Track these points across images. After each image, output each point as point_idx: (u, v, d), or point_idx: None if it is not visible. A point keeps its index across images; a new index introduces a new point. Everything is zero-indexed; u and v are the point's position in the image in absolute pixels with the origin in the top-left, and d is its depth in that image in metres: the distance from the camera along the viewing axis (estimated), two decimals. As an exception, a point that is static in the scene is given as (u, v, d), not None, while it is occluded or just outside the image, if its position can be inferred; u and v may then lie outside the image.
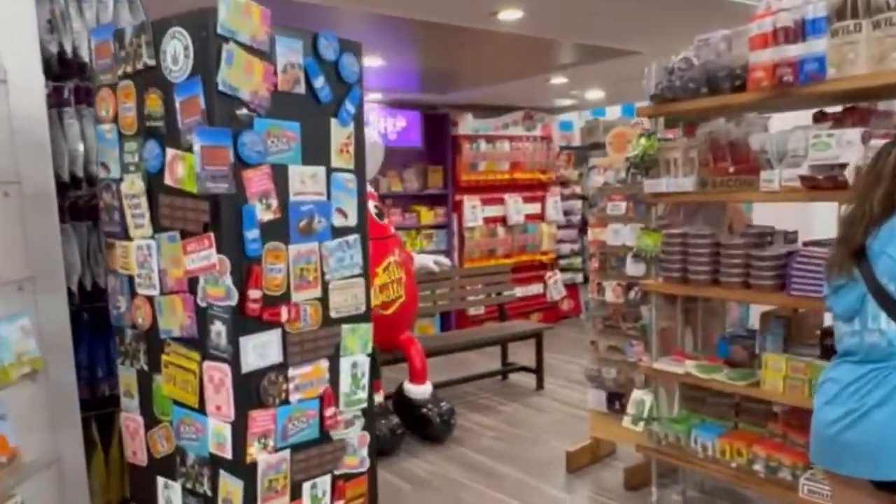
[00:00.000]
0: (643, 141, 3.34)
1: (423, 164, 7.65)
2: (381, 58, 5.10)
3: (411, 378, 4.60)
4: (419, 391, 4.57)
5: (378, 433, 4.20)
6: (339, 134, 2.47)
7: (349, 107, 2.50)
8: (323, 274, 2.43)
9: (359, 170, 2.57)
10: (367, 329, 2.63)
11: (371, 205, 4.73)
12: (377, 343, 4.53)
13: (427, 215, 7.55)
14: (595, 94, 7.15)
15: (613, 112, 10.42)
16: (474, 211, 7.63)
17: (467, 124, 7.55)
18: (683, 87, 3.02)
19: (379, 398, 4.03)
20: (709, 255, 3.01)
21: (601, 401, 3.91)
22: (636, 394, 3.41)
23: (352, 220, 2.53)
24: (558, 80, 6.11)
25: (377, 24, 4.23)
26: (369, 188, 4.99)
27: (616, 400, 3.83)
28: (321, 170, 2.41)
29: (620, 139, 3.94)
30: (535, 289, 8.25)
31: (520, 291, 8.01)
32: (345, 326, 2.52)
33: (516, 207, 7.93)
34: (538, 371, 5.70)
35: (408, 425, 4.54)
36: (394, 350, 4.65)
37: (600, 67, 5.58)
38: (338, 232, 2.48)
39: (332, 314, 2.47)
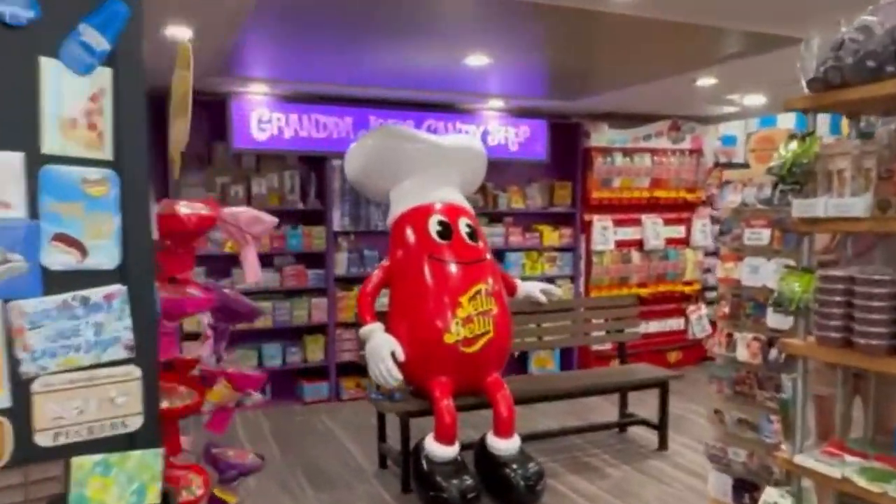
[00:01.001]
0: (794, 145, 2.42)
1: (548, 179, 6.89)
2: (498, 54, 4.44)
3: (496, 430, 3.86)
4: (504, 447, 3.83)
5: (445, 495, 3.53)
6: (69, 89, 1.43)
7: (93, 37, 1.45)
8: (15, 362, 1.38)
9: (129, 162, 1.51)
10: (145, 460, 1.51)
11: (463, 223, 4.09)
12: (457, 384, 3.78)
13: (551, 236, 6.76)
14: (755, 100, 6.04)
15: (788, 119, 9.08)
16: (605, 233, 6.74)
17: (602, 135, 6.69)
18: (858, 67, 2.10)
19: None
20: (890, 309, 2.05)
21: (725, 489, 2.97)
22: (770, 493, 2.46)
23: (102, 258, 1.48)
24: (705, 80, 5.14)
25: (490, 10, 3.57)
26: (459, 202, 4.39)
27: (746, 491, 2.88)
28: (12, 158, 1.37)
29: (766, 145, 3.01)
30: (675, 324, 7.18)
31: (656, 326, 7.01)
32: (79, 461, 1.44)
33: (655, 230, 6.93)
34: (661, 427, 4.74)
35: (487, 486, 3.80)
36: (478, 394, 3.95)
37: (756, 64, 4.56)
38: (61, 281, 1.42)
39: (42, 439, 1.41)
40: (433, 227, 3.99)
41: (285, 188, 5.86)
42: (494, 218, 6.67)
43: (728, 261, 3.06)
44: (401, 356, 3.81)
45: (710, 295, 7.40)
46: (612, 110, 6.67)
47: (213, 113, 5.59)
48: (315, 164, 5.91)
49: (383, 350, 3.80)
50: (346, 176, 4.42)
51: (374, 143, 4.24)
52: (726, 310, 2.99)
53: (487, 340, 3.87)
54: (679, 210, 7.13)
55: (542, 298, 4.63)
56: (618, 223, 6.82)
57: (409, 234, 4.03)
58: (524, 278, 6.73)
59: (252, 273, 2.28)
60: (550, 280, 6.76)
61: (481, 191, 6.50)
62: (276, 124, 5.53)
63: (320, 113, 5.67)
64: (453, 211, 4.11)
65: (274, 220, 2.35)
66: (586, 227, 6.78)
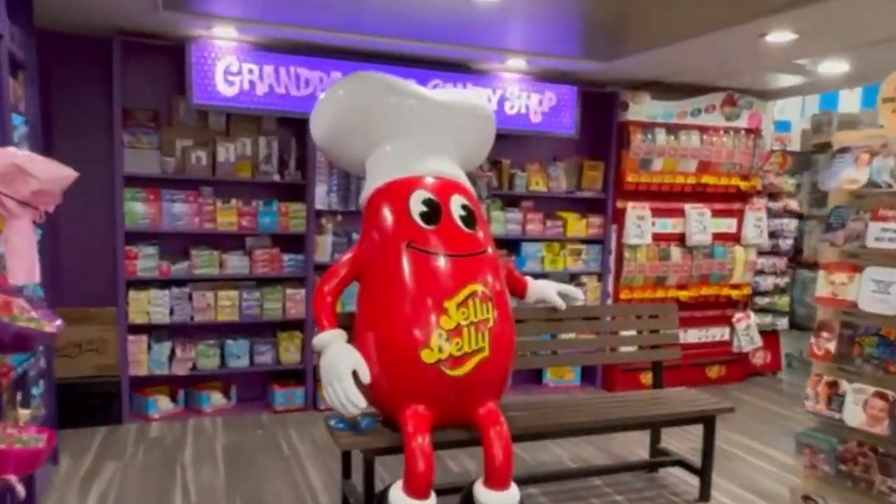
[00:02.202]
0: None
1: (576, 158, 5.85)
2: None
3: (487, 478, 2.88)
4: (496, 501, 2.86)
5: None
6: None
7: None
8: None
9: None
10: None
11: (457, 204, 3.11)
12: (438, 415, 2.80)
13: (576, 225, 5.74)
14: (834, 67, 4.92)
15: (850, 102, 7.92)
16: (641, 223, 5.69)
17: (642, 107, 5.63)
18: None
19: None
20: None
21: None
22: None
23: None
24: (780, 35, 4.05)
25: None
26: (455, 176, 3.39)
27: None
28: None
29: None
30: (718, 333, 6.13)
31: (696, 335, 6.00)
32: None
33: (701, 222, 5.86)
34: (703, 473, 3.73)
35: (471, 555, 2.85)
36: (467, 427, 2.98)
37: (849, 7, 3.49)
38: None
39: None
40: (416, 205, 3.01)
41: (259, 156, 4.92)
42: (511, 201, 5.67)
43: (836, 270, 2.04)
44: (365, 376, 2.86)
45: (761, 301, 6.32)
46: (656, 78, 5.60)
47: (173, 61, 4.66)
48: (296, 129, 4.95)
49: (341, 367, 2.86)
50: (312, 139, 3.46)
51: (346, 94, 3.26)
52: (831, 346, 1.99)
53: (481, 361, 2.89)
54: (730, 200, 6.05)
55: (560, 303, 3.63)
56: (657, 213, 5.77)
57: (385, 215, 3.06)
58: (541, 276, 5.66)
59: (23, 269, 1.31)
60: (573, 278, 5.77)
61: (496, 168, 5.50)
62: (246, 77, 4.58)
63: (302, 65, 4.70)
64: (445, 187, 3.12)
65: (73, 173, 1.36)
66: (619, 216, 5.74)
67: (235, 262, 4.85)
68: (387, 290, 2.96)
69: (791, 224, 6.36)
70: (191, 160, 4.68)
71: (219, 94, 4.52)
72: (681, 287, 5.89)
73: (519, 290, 3.57)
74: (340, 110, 3.23)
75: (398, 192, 3.08)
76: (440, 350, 2.82)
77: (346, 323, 3.04)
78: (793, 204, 6.36)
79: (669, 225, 5.84)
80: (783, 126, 6.63)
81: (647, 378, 5.40)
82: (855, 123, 6.48)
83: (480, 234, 3.10)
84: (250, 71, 4.57)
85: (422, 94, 3.33)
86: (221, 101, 4.56)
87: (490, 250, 3.13)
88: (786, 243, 6.35)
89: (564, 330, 3.91)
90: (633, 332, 4.12)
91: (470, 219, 3.07)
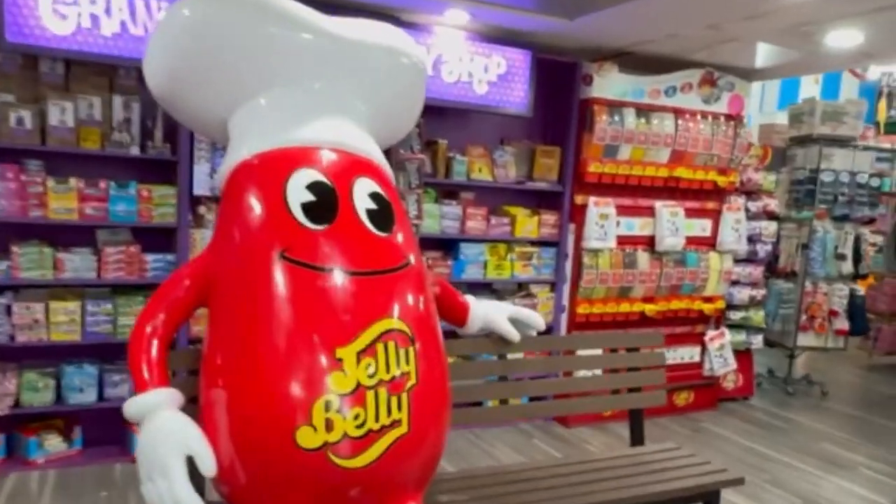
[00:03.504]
0: None
1: (529, 141, 4.81)
2: None
3: None
4: None
5: None
6: None
7: None
8: None
9: None
10: None
11: (362, 189, 1.99)
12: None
13: (527, 223, 4.69)
14: (845, 38, 4.02)
15: (810, 92, 7.21)
16: (604, 223, 4.69)
17: (609, 82, 4.62)
18: None
19: None
20: None
21: None
22: None
23: None
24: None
25: None
26: (361, 149, 2.12)
27: None
28: None
29: None
30: (687, 354, 5.21)
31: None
32: None
33: (674, 223, 4.91)
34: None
35: None
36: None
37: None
38: None
39: None
40: (296, 192, 1.86)
41: (113, 121, 3.68)
42: (447, 192, 4.58)
43: None
44: (208, 466, 1.72)
45: (734, 316, 5.44)
46: (626, 47, 4.61)
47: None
48: (166, 88, 3.71)
49: (168, 453, 1.70)
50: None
51: (194, 15, 2.08)
52: None
53: (395, 441, 1.77)
54: (706, 198, 5.12)
55: (513, 333, 2.56)
56: (622, 211, 4.78)
57: (249, 205, 1.90)
58: (482, 285, 4.65)
59: None
60: (521, 287, 4.72)
61: (430, 151, 4.39)
62: (86, 9, 3.33)
63: None
64: (347, 166, 1.98)
65: None
66: (578, 214, 4.73)
67: (77, 263, 3.60)
68: (247, 326, 1.81)
69: (770, 227, 5.50)
70: (9, 122, 3.40)
71: (45, 31, 3.26)
72: (647, 300, 4.93)
73: (457, 316, 2.49)
74: (186, 40, 2.04)
75: (271, 169, 1.93)
76: (328, 428, 1.69)
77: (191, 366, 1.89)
78: (773, 204, 5.50)
79: (637, 226, 4.86)
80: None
81: (608, 411, 4.42)
82: (839, 115, 5.68)
83: (399, 238, 1.98)
84: (93, 1, 3.32)
85: (318, 26, 2.16)
86: (50, 42, 3.29)
87: (413, 260, 2.01)
88: (764, 249, 5.48)
89: (516, 369, 2.83)
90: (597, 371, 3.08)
91: (383, 215, 1.95)
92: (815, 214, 5.67)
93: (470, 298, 2.54)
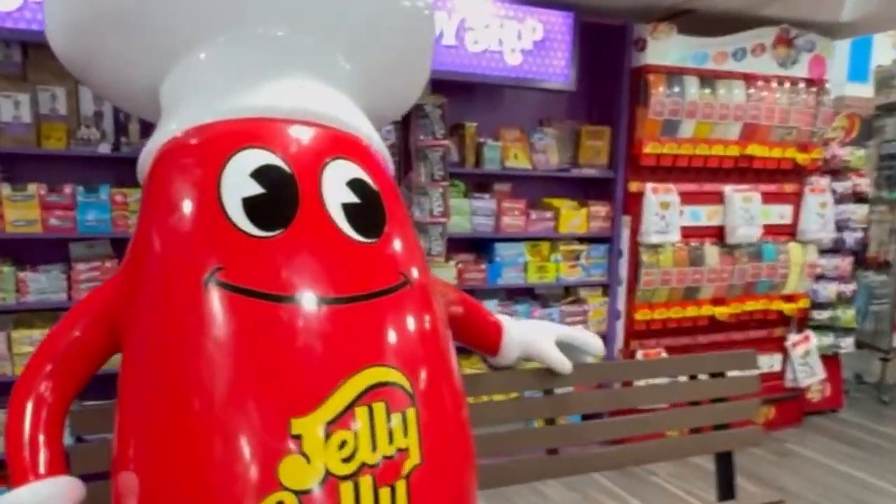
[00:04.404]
0: None
1: (572, 121, 4.13)
2: None
3: None
4: None
5: None
6: None
7: None
8: None
9: None
10: None
11: (338, 179, 1.31)
12: None
13: (573, 216, 4.01)
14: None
15: (884, 54, 6.30)
16: (666, 213, 3.98)
17: (666, 46, 3.91)
18: None
19: None
20: None
21: None
22: None
23: None
24: None
25: None
26: (346, 126, 1.41)
27: None
28: None
29: None
30: (767, 363, 4.46)
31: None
32: None
33: (748, 211, 4.17)
34: None
35: None
36: None
37: None
38: None
39: None
40: (236, 183, 1.22)
41: (80, 114, 3.12)
42: (479, 184, 3.93)
43: None
44: None
45: (821, 316, 4.66)
46: (685, 2, 3.89)
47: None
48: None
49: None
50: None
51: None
52: None
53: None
54: (784, 179, 4.37)
55: (564, 364, 1.89)
56: (686, 198, 4.06)
57: (170, 206, 1.27)
58: (521, 293, 4.02)
59: None
60: (569, 292, 4.05)
61: (456, 136, 3.74)
62: (32, -22, 2.77)
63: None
64: (316, 143, 1.31)
65: None
66: (633, 204, 4.03)
67: (44, 284, 3.05)
68: (164, 385, 1.17)
69: (860, 211, 4.70)
70: (-51, 120, 2.87)
71: (-15, 5, 2.71)
72: (717, 301, 4.21)
73: (488, 343, 1.82)
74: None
75: (206, 151, 1.29)
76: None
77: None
78: (863, 184, 4.70)
79: (703, 215, 4.14)
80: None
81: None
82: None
83: (394, 245, 1.33)
84: (40, -32, 2.76)
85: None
86: (1, 23, 2.75)
87: (415, 276, 1.35)
88: (853, 237, 4.69)
89: (567, 408, 2.16)
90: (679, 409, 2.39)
91: (368, 212, 1.29)
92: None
93: (504, 319, 1.87)
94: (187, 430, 1.12)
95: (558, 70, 3.77)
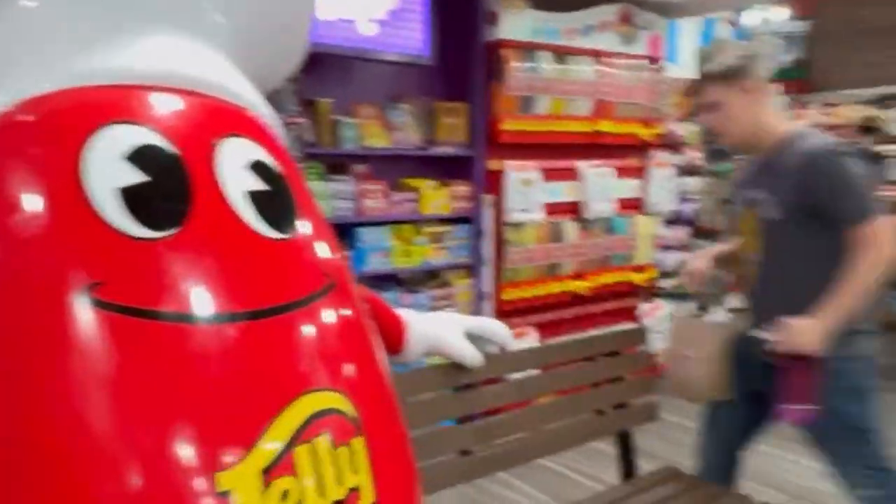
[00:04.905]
0: None
1: (430, 98, 3.96)
2: None
3: None
4: None
5: None
6: None
7: None
8: None
9: None
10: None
11: (239, 160, 1.02)
12: None
13: (435, 197, 3.85)
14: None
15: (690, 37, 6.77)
16: (527, 191, 3.95)
17: (519, 20, 3.85)
18: None
19: None
20: None
21: None
22: None
23: None
24: None
25: None
26: (236, 96, 1.12)
27: None
28: None
29: None
30: (621, 333, 4.59)
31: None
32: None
33: (602, 186, 4.25)
34: None
35: None
36: None
37: None
38: None
39: None
40: (106, 170, 0.89)
41: None
42: (335, 165, 3.64)
43: None
44: None
45: (668, 284, 4.90)
46: (537, -22, 3.85)
47: None
48: None
49: None
50: None
51: None
52: None
53: None
54: (631, 154, 4.50)
55: (473, 356, 1.72)
56: (548, 174, 4.05)
57: (12, 205, 0.93)
58: (386, 279, 3.82)
59: None
60: (433, 276, 3.91)
61: (310, 112, 3.43)
62: None
63: None
64: (202, 117, 1.01)
65: None
66: (494, 182, 3.95)
67: None
68: (23, 448, 0.84)
69: (696, 184, 4.98)
70: None
71: None
72: (577, 276, 4.27)
73: (390, 340, 1.60)
74: None
75: (55, 129, 0.93)
76: None
77: None
78: (697, 158, 4.98)
79: (562, 192, 4.16)
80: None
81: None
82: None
83: (309, 238, 1.07)
84: None
85: None
86: None
87: (340, 275, 1.10)
88: (690, 208, 4.97)
89: (479, 404, 2.00)
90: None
91: (277, 200, 1.02)
92: (734, 167, 5.22)
93: (407, 313, 1.66)
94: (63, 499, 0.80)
95: (414, 42, 3.57)
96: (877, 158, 5.48)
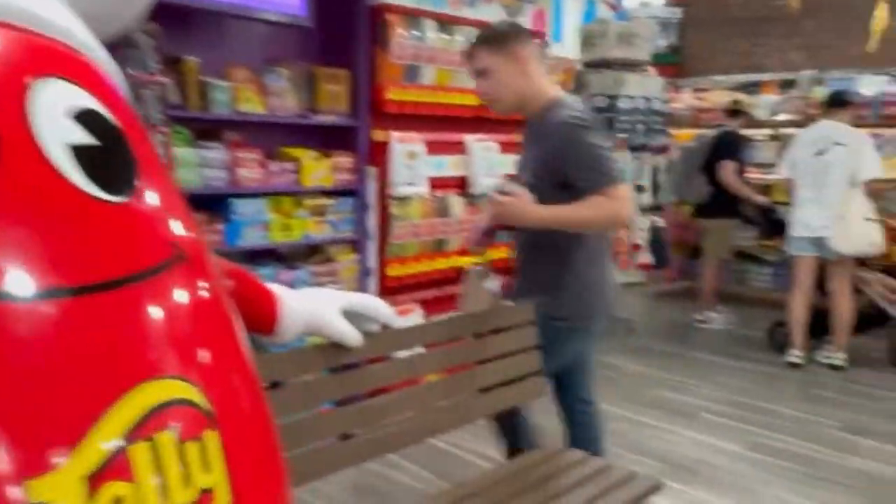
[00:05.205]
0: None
1: (309, 63, 3.72)
2: None
3: None
4: None
5: None
6: None
7: None
8: None
9: None
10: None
11: (58, 106, 0.79)
12: None
13: (316, 168, 3.64)
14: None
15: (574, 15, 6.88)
16: (413, 164, 3.81)
17: (403, -14, 3.68)
18: None
19: None
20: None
21: None
22: None
23: None
24: None
25: None
26: (65, 40, 0.87)
27: None
28: None
29: None
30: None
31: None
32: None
33: (488, 161, 4.18)
34: None
35: None
36: None
37: None
38: None
39: None
40: None
41: None
42: (205, 131, 3.34)
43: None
44: None
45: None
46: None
47: None
48: None
49: None
50: None
51: None
52: None
53: None
54: (516, 129, 4.44)
55: (352, 335, 1.56)
56: (432, 148, 3.93)
57: None
58: (264, 254, 3.59)
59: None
60: (316, 251, 3.71)
61: (175, 72, 3.13)
62: None
63: None
64: (12, 55, 0.80)
65: None
66: (378, 154, 3.78)
67: None
68: None
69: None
70: None
71: None
72: (463, 252, 4.19)
73: (262, 320, 1.42)
74: None
75: None
76: None
77: None
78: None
79: (448, 165, 4.05)
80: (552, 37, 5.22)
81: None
82: (631, 36, 5.33)
83: (159, 206, 0.87)
84: None
85: None
86: None
87: (190, 245, 0.91)
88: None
89: (357, 385, 1.86)
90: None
91: (110, 158, 0.83)
92: (614, 145, 5.31)
93: (279, 289, 1.48)
94: None
95: (292, 1, 3.33)
96: (745, 141, 5.74)
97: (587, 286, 2.33)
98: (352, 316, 1.58)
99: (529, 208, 2.12)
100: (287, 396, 1.69)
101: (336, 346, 1.61)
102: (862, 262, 4.88)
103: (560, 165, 2.16)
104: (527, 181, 2.26)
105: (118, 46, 2.38)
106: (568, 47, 5.46)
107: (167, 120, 2.96)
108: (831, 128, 4.65)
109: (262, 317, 1.41)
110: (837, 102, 4.75)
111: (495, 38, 2.23)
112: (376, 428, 1.86)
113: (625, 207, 2.18)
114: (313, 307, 1.50)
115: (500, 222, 2.24)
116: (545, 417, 2.72)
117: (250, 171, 3.35)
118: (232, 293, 1.28)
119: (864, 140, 4.61)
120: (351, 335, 1.57)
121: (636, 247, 5.58)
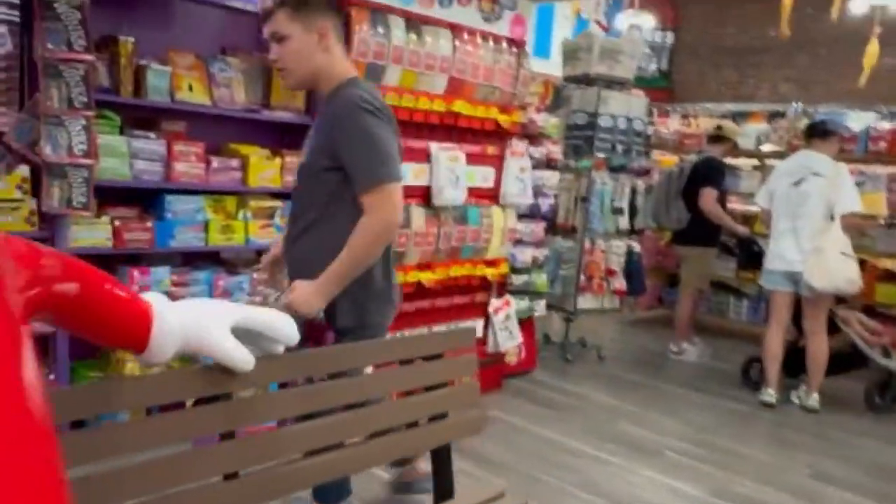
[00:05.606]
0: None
1: (262, 53, 3.47)
2: None
3: None
4: None
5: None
6: None
7: None
8: None
9: None
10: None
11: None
12: None
13: (265, 167, 3.38)
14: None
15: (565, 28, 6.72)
16: (370, 168, 3.54)
17: (370, -20, 3.45)
18: None
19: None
20: None
21: None
22: None
23: None
24: None
25: None
26: None
27: None
28: None
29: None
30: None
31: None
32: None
33: (454, 171, 3.92)
34: None
35: None
36: None
37: None
38: None
39: None
40: None
41: None
42: (140, 119, 3.08)
43: None
44: None
45: (518, 280, 4.68)
46: (394, -67, 3.46)
47: None
48: None
49: None
50: None
51: None
52: None
53: None
54: (487, 140, 4.22)
55: (241, 358, 1.29)
56: (392, 153, 3.67)
57: None
58: (201, 257, 3.31)
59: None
60: (260, 257, 3.42)
61: (106, 52, 2.86)
62: None
63: None
64: None
65: None
66: (334, 157, 3.52)
67: None
68: None
69: (553, 178, 4.80)
70: None
71: None
72: (424, 266, 3.93)
73: (129, 335, 1.14)
74: None
75: None
76: None
77: None
78: (555, 151, 4.79)
79: (410, 174, 3.80)
80: (539, 51, 5.02)
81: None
82: (616, 53, 5.13)
83: None
84: None
85: None
86: None
87: None
88: (547, 203, 4.77)
89: (250, 418, 1.58)
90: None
91: None
92: (593, 164, 5.09)
93: (156, 299, 1.20)
94: None
95: (246, -13, 3.09)
96: (726, 168, 5.53)
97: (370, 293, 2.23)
98: (250, 335, 1.31)
99: (310, 291, 2.00)
100: (159, 426, 1.42)
101: (223, 369, 1.34)
102: (841, 299, 4.67)
103: (335, 146, 2.02)
104: (301, 162, 2.15)
105: (35, 18, 2.09)
106: (555, 64, 5.27)
107: (92, 103, 2.69)
108: (810, 158, 4.46)
109: (128, 332, 1.14)
110: (819, 133, 4.56)
111: (297, 4, 2.04)
112: (267, 469, 1.58)
113: (394, 212, 2.04)
114: (196, 323, 1.22)
115: (300, 316, 1.98)
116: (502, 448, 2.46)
117: (188, 165, 3.09)
118: (76, 299, 1.04)
119: (843, 172, 4.42)
120: (239, 358, 1.29)
121: (611, 272, 5.35)
